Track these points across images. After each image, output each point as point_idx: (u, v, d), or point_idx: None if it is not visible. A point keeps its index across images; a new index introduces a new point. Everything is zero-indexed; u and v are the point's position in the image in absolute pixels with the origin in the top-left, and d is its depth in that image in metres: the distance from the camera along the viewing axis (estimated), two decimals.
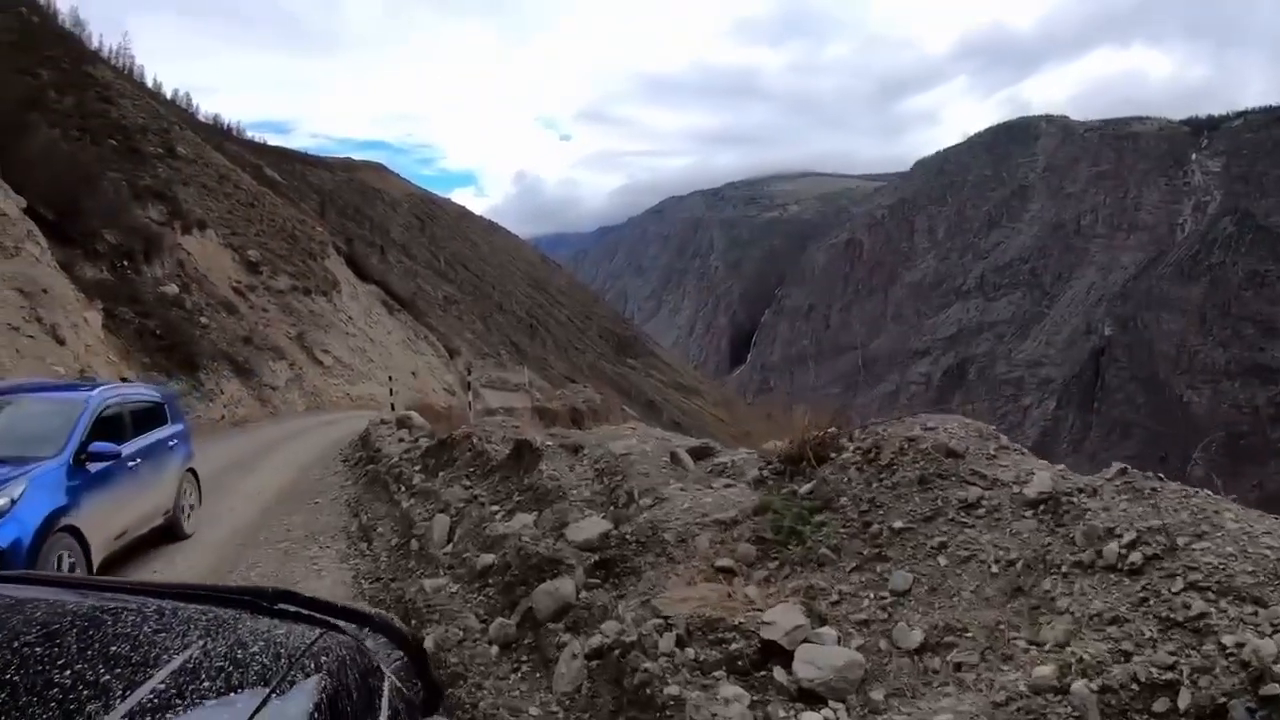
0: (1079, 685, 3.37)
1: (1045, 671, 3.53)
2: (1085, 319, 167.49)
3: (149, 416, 8.83)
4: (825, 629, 4.24)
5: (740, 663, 4.14)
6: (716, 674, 4.09)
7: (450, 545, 7.25)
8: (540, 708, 4.38)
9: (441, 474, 9.79)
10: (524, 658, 4.92)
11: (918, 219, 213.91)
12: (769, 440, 7.36)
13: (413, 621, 5.62)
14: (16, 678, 1.06)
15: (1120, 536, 4.03)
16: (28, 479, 6.25)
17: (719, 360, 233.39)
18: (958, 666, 3.89)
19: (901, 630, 4.18)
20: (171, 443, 9.19)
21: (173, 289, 25.20)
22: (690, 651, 4.23)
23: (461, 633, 5.23)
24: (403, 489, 10.12)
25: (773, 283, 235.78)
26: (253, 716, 1.10)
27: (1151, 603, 3.67)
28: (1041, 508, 4.59)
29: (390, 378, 30.14)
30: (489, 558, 6.13)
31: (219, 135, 70.11)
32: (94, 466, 7.08)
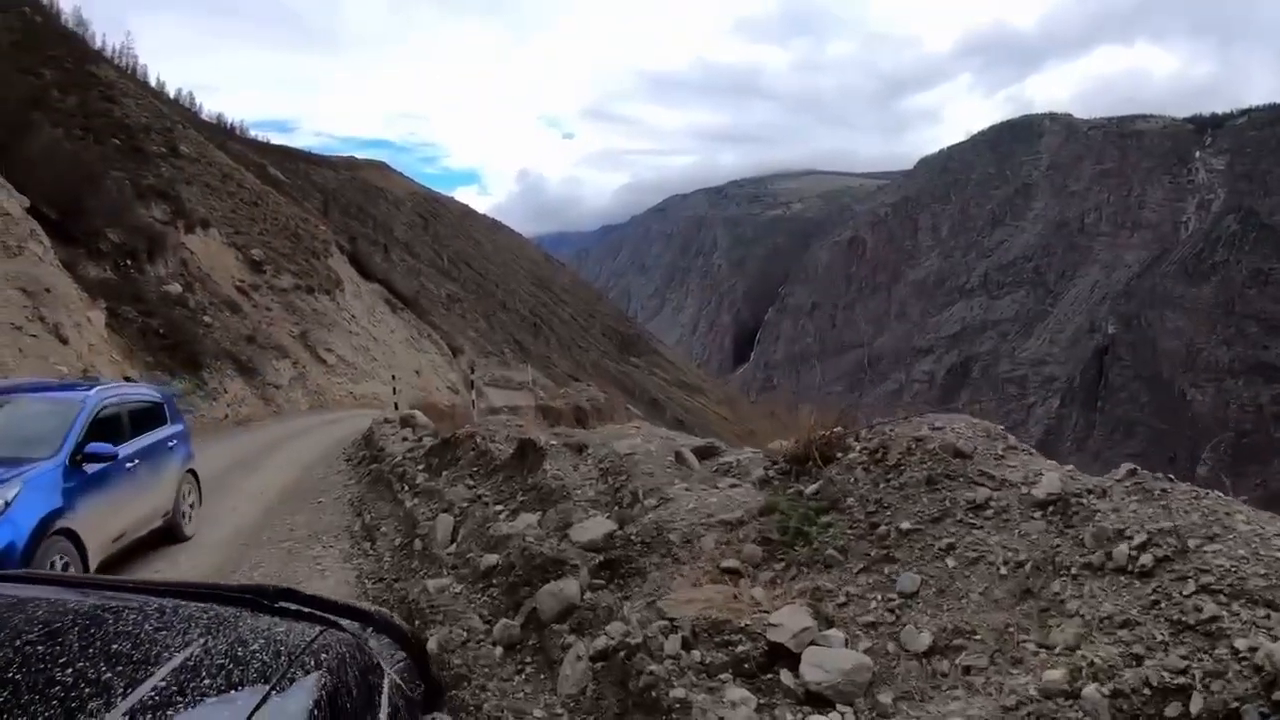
0: (1090, 689, 3.34)
1: (1055, 675, 3.49)
2: (1089, 317, 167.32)
3: (148, 417, 8.69)
4: (832, 631, 4.20)
5: (747, 665, 4.11)
6: (723, 677, 4.06)
7: (454, 545, 7.22)
8: (545, 710, 4.34)
9: (445, 473, 9.77)
10: (528, 659, 4.89)
11: (921, 217, 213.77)
12: (773, 439, 7.33)
13: (416, 622, 5.59)
14: (19, 676, 1.07)
15: (1130, 538, 3.99)
16: (22, 481, 6.14)
17: (722, 358, 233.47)
18: (967, 669, 3.85)
19: (909, 633, 4.14)
20: (171, 443, 9.06)
21: (176, 288, 25.19)
22: (696, 654, 4.20)
23: (465, 634, 5.20)
24: (406, 488, 10.09)
25: (776, 281, 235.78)
26: (253, 713, 1.11)
27: (1163, 605, 3.62)
28: (1050, 509, 4.55)
29: (393, 376, 30.13)
30: (493, 558, 6.10)
31: (222, 134, 70.17)
32: (91, 468, 6.95)
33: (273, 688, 1.18)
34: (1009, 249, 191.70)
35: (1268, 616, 3.35)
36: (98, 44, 54.87)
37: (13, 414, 7.20)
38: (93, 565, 6.81)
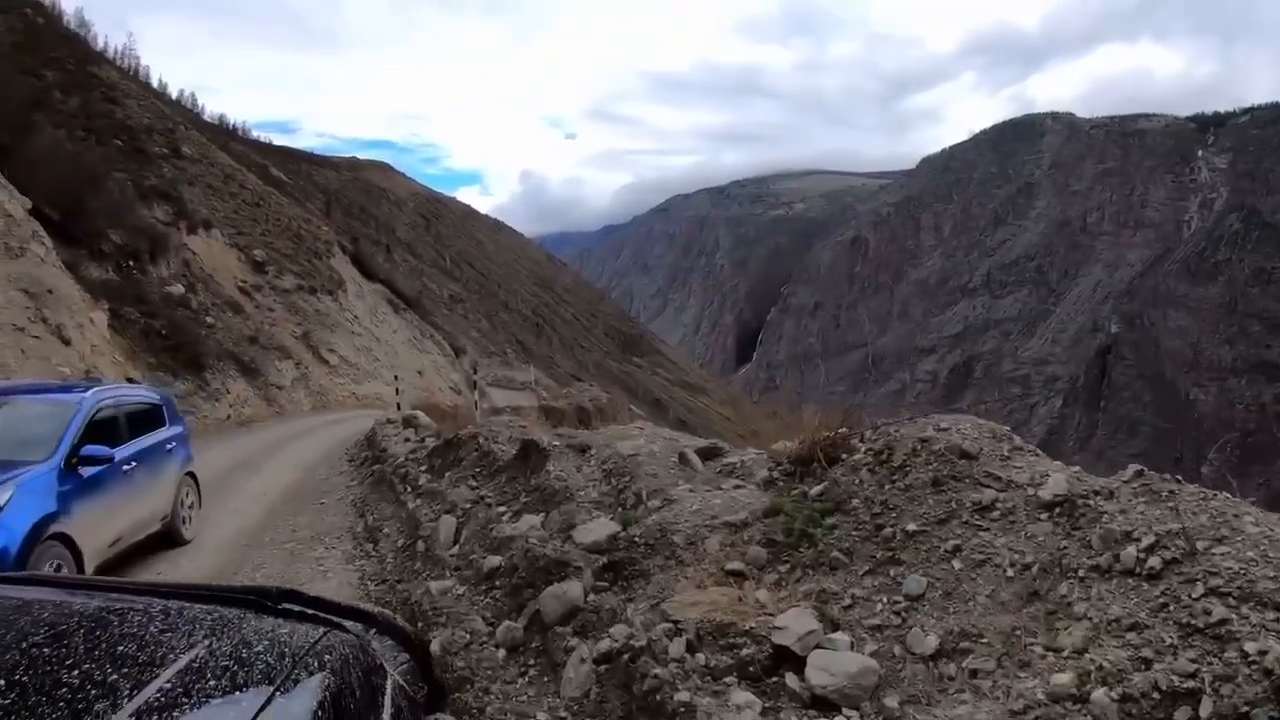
0: (1099, 694, 3.31)
1: (1064, 679, 3.47)
2: (1091, 317, 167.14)
3: (146, 418, 8.55)
4: (838, 634, 4.18)
5: (752, 668, 4.08)
6: (728, 680, 4.03)
7: (457, 547, 7.20)
8: (548, 713, 4.32)
9: (448, 474, 9.75)
10: (531, 662, 4.87)
11: (924, 216, 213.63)
12: (776, 439, 7.31)
13: (419, 624, 5.57)
14: (26, 678, 1.08)
15: (1138, 540, 3.96)
16: (15, 485, 6.01)
17: (725, 358, 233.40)
18: (974, 673, 3.82)
19: (916, 635, 4.12)
20: (169, 445, 8.91)
21: (178, 289, 25.19)
22: (701, 657, 4.18)
23: (468, 636, 5.18)
24: (409, 489, 10.07)
25: (779, 281, 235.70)
26: (258, 714, 1.12)
27: (1171, 608, 3.60)
28: (1057, 510, 4.52)
29: (396, 377, 30.15)
30: (496, 559, 6.08)
31: (224, 135, 70.20)
32: (86, 471, 6.81)
33: (277, 689, 1.19)
34: (1011, 248, 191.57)
35: (1277, 619, 3.33)
36: (100, 45, 55.05)
37: (7, 416, 7.06)
38: (88, 570, 6.64)
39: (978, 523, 4.67)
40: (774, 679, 4.03)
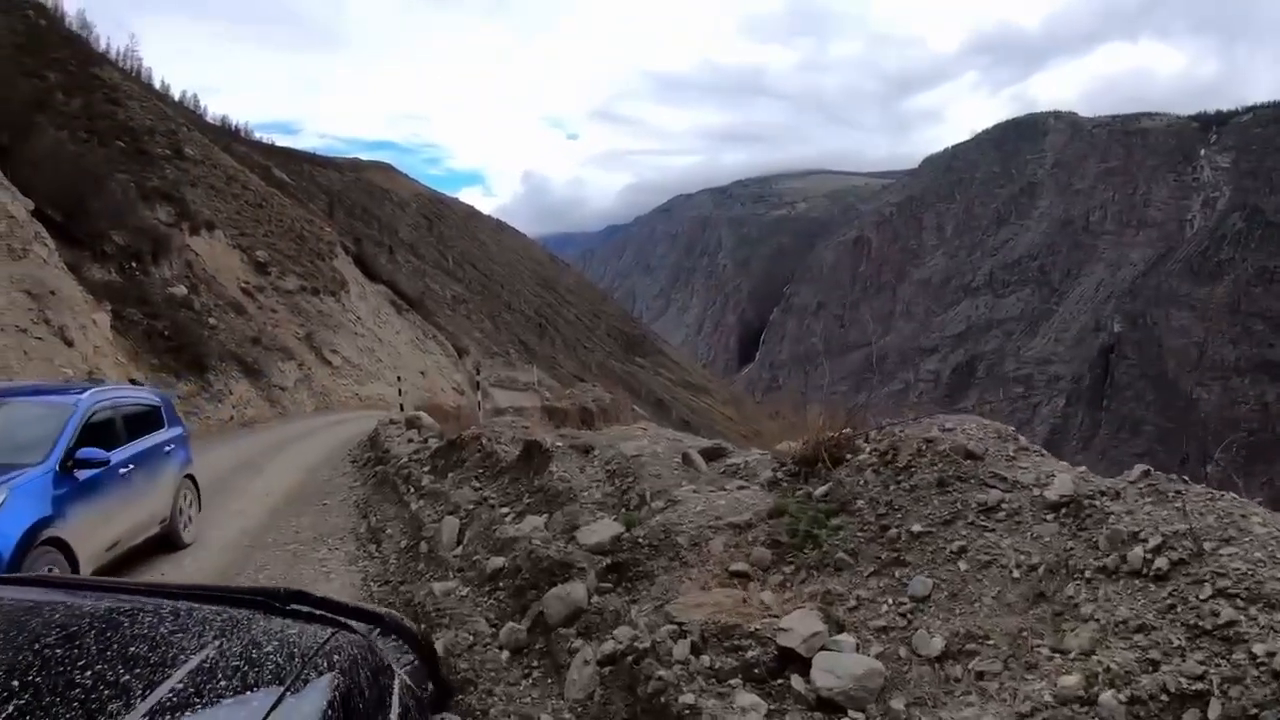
0: (1107, 696, 3.28)
1: (1071, 681, 3.44)
2: (1094, 316, 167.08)
3: (144, 420, 8.43)
4: (843, 636, 4.15)
5: (757, 670, 4.06)
6: (732, 682, 4.01)
7: (460, 548, 7.18)
8: (552, 715, 4.30)
9: (451, 475, 9.74)
10: (535, 663, 4.85)
11: (926, 216, 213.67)
12: (780, 440, 7.26)
13: (422, 625, 5.55)
14: (39, 679, 1.09)
15: (1145, 541, 3.93)
16: (9, 488, 5.88)
17: (728, 358, 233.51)
18: (980, 675, 3.79)
19: (921, 637, 4.09)
20: (168, 448, 8.79)
21: (181, 290, 25.22)
22: (705, 659, 4.16)
23: (471, 637, 5.16)
24: (412, 490, 10.06)
25: (781, 281, 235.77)
26: (269, 714, 1.13)
27: (1179, 610, 3.57)
28: (1063, 511, 4.49)
29: (399, 377, 30.15)
30: (499, 561, 6.06)
31: (227, 136, 70.30)
32: (82, 474, 6.67)
33: (287, 689, 1.20)
34: (1014, 248, 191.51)
35: None
36: (102, 46, 55.10)
37: (2, 419, 6.94)
38: (85, 575, 6.49)
39: (983, 523, 4.64)
40: (779, 681, 4.00)
